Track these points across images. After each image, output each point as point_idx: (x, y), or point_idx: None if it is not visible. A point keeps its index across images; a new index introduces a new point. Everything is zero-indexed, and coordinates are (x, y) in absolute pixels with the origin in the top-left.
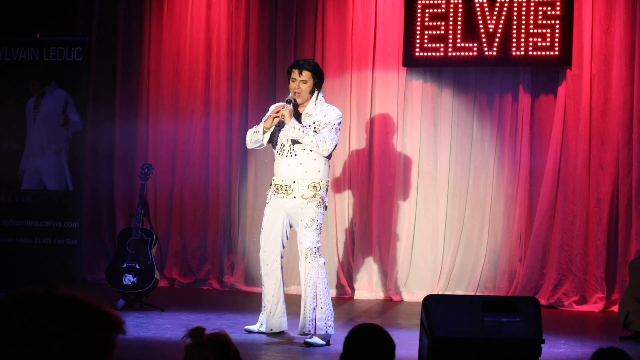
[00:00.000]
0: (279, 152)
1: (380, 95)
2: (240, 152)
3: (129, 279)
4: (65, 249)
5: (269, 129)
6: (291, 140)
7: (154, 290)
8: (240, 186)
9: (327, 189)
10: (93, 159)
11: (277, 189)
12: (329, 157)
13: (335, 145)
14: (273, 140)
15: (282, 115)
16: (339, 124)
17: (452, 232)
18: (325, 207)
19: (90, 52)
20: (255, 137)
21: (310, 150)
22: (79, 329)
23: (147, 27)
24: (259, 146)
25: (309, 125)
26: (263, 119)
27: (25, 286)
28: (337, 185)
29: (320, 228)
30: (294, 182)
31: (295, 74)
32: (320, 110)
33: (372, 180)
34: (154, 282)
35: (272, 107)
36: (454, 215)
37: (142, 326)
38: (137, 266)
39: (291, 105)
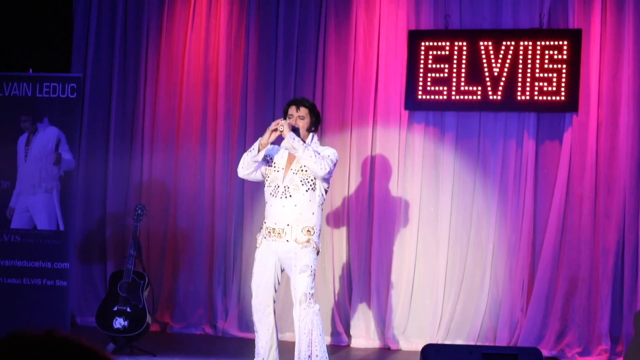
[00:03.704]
0: (273, 193)
1: (381, 138)
2: (236, 193)
3: (119, 322)
4: (55, 290)
5: (266, 145)
6: (286, 182)
7: (145, 335)
8: (235, 229)
9: (319, 234)
10: (85, 198)
11: (269, 232)
12: (326, 189)
13: (330, 173)
14: (266, 182)
15: (281, 126)
16: (336, 160)
17: (452, 280)
18: (318, 252)
19: (84, 88)
20: (250, 155)
21: (307, 191)
22: None
23: (144, 64)
24: (253, 171)
25: (303, 166)
26: (259, 139)
27: (14, 328)
28: (336, 229)
29: (315, 273)
30: (288, 225)
31: (292, 110)
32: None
33: (371, 225)
34: (145, 326)
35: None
36: (455, 263)
37: None
38: (128, 309)
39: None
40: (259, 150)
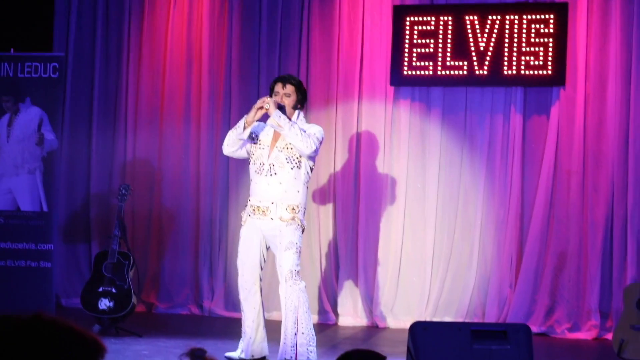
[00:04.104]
0: (258, 171)
1: (366, 115)
2: (221, 171)
3: (105, 303)
4: (39, 271)
5: (251, 123)
6: (271, 159)
7: (130, 316)
8: (221, 208)
9: (304, 212)
10: (68, 178)
11: (253, 210)
12: (312, 167)
13: (316, 151)
14: (251, 159)
15: (267, 103)
16: (322, 138)
17: (440, 257)
18: (303, 230)
19: (67, 68)
20: (235, 132)
21: (292, 168)
22: (66, 354)
23: (126, 42)
24: (237, 148)
25: (288, 144)
26: (244, 117)
27: None
28: (322, 206)
29: (300, 251)
30: (273, 203)
31: (278, 87)
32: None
33: (357, 202)
34: (130, 307)
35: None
36: (443, 239)
37: (119, 353)
38: (113, 290)
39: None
40: (244, 128)
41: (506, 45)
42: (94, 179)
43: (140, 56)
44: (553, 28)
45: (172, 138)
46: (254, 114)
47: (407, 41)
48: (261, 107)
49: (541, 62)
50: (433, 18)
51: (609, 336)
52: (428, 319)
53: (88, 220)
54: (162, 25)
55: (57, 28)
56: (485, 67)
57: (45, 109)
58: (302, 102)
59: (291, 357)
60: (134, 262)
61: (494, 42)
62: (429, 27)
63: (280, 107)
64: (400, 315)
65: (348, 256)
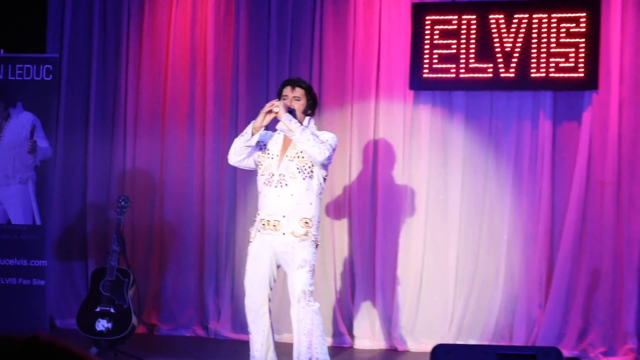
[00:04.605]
0: (267, 182)
1: (384, 121)
2: (228, 183)
3: (102, 324)
4: (32, 290)
5: (259, 128)
6: (281, 170)
7: (130, 338)
8: (227, 222)
9: (317, 226)
10: (63, 189)
11: (263, 224)
12: (325, 177)
13: (329, 159)
14: (260, 170)
15: (276, 107)
16: (335, 145)
17: (464, 275)
18: (317, 246)
19: (61, 70)
20: (242, 140)
21: (304, 179)
22: None
23: (125, 43)
24: (245, 157)
25: (299, 152)
26: (252, 122)
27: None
28: (336, 220)
29: (314, 269)
30: (284, 216)
31: (287, 90)
32: None
33: (375, 216)
34: (130, 328)
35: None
36: (466, 256)
37: None
38: (112, 310)
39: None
40: (252, 135)
41: (534, 45)
42: (90, 190)
43: (141, 57)
44: (585, 27)
45: (175, 146)
46: (262, 119)
47: (427, 42)
48: (270, 111)
49: (572, 64)
50: (455, 17)
51: None
52: (451, 342)
53: (84, 235)
54: (164, 24)
55: (50, 27)
56: (512, 70)
57: (38, 115)
58: (312, 107)
59: None
60: (134, 280)
61: (521, 43)
62: (450, 27)
63: (291, 111)
64: (421, 337)
65: (364, 274)
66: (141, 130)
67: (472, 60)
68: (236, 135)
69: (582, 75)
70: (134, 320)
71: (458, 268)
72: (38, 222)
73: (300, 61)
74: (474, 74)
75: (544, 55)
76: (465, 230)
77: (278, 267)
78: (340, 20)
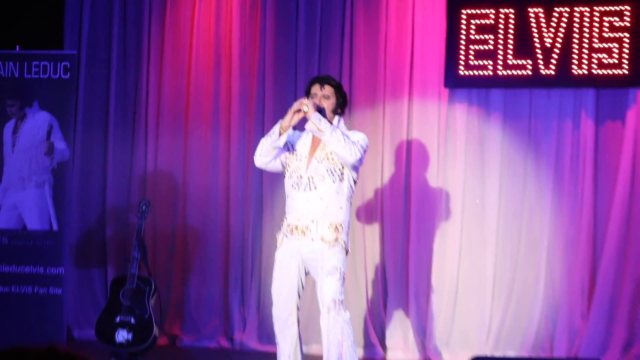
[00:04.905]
0: (295, 185)
1: (418, 121)
2: (254, 186)
3: (122, 335)
4: (48, 299)
5: (287, 128)
6: (310, 172)
7: (151, 349)
8: (254, 227)
9: (348, 231)
10: (81, 193)
11: (291, 229)
12: (355, 179)
13: (361, 160)
14: (287, 172)
15: (305, 106)
16: (366, 146)
17: (502, 282)
18: (347, 253)
19: (79, 68)
20: (269, 140)
21: (333, 185)
22: None
23: (146, 39)
24: (272, 159)
25: (329, 154)
26: (279, 121)
27: (3, 342)
28: (367, 225)
29: (344, 277)
30: (313, 221)
31: (316, 88)
32: None
33: (408, 221)
34: (151, 340)
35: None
36: (505, 262)
37: None
38: (132, 320)
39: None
40: (279, 135)
41: (576, 41)
42: (110, 193)
43: (163, 54)
44: (629, 21)
45: (198, 147)
46: (290, 118)
47: (463, 37)
48: (299, 110)
49: (616, 60)
50: (492, 11)
51: None
52: (488, 354)
53: (104, 241)
54: (187, 20)
55: (68, 22)
56: (552, 67)
57: (55, 114)
58: (342, 106)
59: None
60: (156, 289)
61: (561, 38)
62: (488, 21)
63: (320, 110)
64: (457, 348)
65: (397, 282)
66: (163, 130)
67: (511, 57)
68: (262, 136)
69: (626, 71)
70: (156, 331)
71: (496, 275)
72: (55, 227)
73: (330, 57)
74: (512, 70)
75: (586, 51)
76: (503, 236)
77: (306, 274)
78: (372, 13)
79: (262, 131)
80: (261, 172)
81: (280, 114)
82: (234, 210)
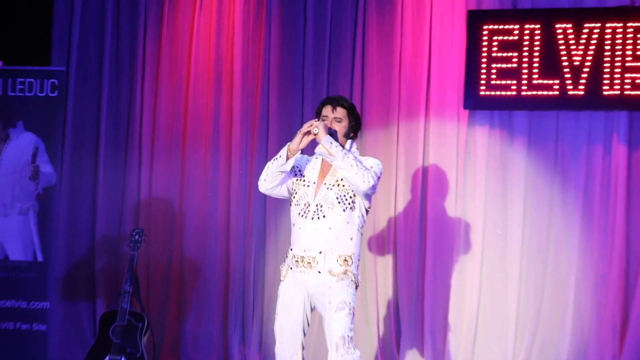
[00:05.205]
0: (302, 213)
1: (435, 145)
2: (257, 213)
3: None
4: (32, 336)
5: (296, 152)
6: (319, 199)
7: None
8: (256, 258)
9: (358, 264)
10: (69, 221)
11: (296, 261)
12: (367, 208)
13: (374, 188)
14: (294, 199)
15: (315, 128)
16: (380, 173)
17: (525, 321)
18: (357, 287)
19: (68, 85)
20: (276, 164)
21: (344, 212)
22: None
23: (141, 54)
24: (277, 184)
25: (340, 180)
26: (287, 144)
27: None
28: (379, 257)
29: (354, 312)
30: (320, 252)
31: (327, 110)
32: None
33: (423, 253)
34: None
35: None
36: (529, 299)
37: None
38: (123, 359)
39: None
40: (287, 158)
41: (607, 59)
42: (100, 221)
43: (159, 70)
44: None
45: (197, 171)
46: (299, 141)
47: (484, 54)
48: (308, 132)
49: None
50: (517, 26)
51: None
52: None
53: (92, 273)
54: (186, 34)
55: (56, 36)
56: (581, 87)
57: (42, 136)
58: (355, 130)
59: None
60: (149, 325)
61: (591, 56)
62: (511, 37)
63: (331, 133)
64: None
65: (412, 319)
66: (158, 153)
67: (536, 76)
68: (266, 160)
69: None
70: None
71: (519, 314)
72: (40, 258)
73: (340, 74)
74: (538, 91)
75: (618, 70)
76: (527, 270)
77: (313, 309)
78: (386, 28)
79: (266, 155)
80: (264, 198)
81: (286, 135)
82: (235, 240)
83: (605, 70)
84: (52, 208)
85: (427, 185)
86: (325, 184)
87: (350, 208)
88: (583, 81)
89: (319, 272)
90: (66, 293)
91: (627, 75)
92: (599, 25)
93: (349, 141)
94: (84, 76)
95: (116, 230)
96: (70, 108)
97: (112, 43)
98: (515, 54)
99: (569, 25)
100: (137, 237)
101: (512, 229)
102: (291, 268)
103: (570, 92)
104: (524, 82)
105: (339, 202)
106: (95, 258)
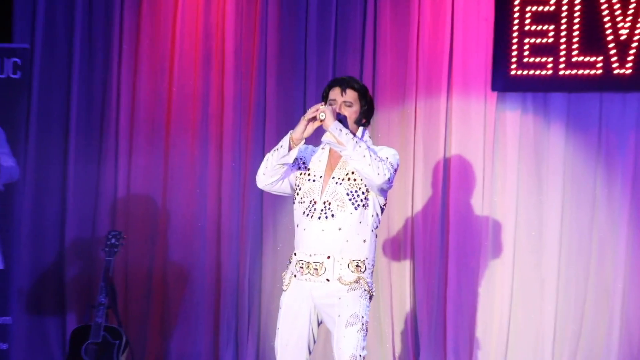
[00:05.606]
0: (307, 212)
1: (457, 132)
2: (253, 213)
3: None
4: None
5: (300, 141)
6: (327, 196)
7: None
8: (251, 265)
9: (372, 271)
10: (35, 222)
11: (301, 267)
12: (382, 206)
13: (390, 182)
14: (297, 196)
15: (322, 113)
16: (397, 165)
17: (564, 336)
18: (371, 297)
19: (33, 65)
20: (276, 155)
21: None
22: None
23: (117, 29)
24: (278, 179)
25: (350, 173)
26: (289, 132)
27: None
28: (395, 262)
29: (367, 327)
30: (329, 257)
31: (335, 92)
32: None
33: (445, 257)
34: None
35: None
36: (568, 310)
37: None
38: None
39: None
40: (289, 149)
41: None
42: (71, 223)
43: (138, 48)
44: None
45: (183, 165)
46: (303, 128)
47: (515, 28)
48: (314, 119)
49: None
50: None
51: None
52: None
53: (62, 283)
54: (169, 7)
55: (18, 9)
56: (629, 65)
57: (2, 123)
58: (367, 115)
59: None
60: (127, 342)
61: None
62: (547, 8)
63: (341, 119)
64: None
65: (432, 334)
66: (138, 144)
67: (576, 52)
68: (263, 151)
69: None
70: None
71: (557, 327)
72: (1, 266)
73: (348, 55)
74: (577, 69)
75: None
76: (566, 277)
77: (319, 324)
78: (401, 1)
79: (263, 145)
80: (261, 195)
81: (286, 123)
82: (227, 243)
83: None
84: (14, 207)
85: (449, 179)
86: (333, 178)
87: (363, 206)
88: (631, 58)
89: (327, 280)
90: (31, 306)
91: None
92: None
93: (361, 128)
94: (51, 54)
95: (89, 233)
96: (35, 91)
97: (84, 16)
98: (552, 27)
99: None
100: (113, 240)
101: (548, 229)
102: (295, 276)
103: (616, 71)
104: (562, 59)
105: (350, 199)
106: (65, 265)
